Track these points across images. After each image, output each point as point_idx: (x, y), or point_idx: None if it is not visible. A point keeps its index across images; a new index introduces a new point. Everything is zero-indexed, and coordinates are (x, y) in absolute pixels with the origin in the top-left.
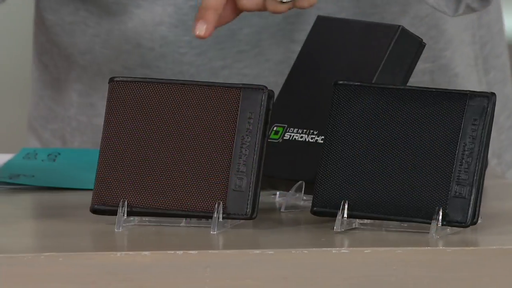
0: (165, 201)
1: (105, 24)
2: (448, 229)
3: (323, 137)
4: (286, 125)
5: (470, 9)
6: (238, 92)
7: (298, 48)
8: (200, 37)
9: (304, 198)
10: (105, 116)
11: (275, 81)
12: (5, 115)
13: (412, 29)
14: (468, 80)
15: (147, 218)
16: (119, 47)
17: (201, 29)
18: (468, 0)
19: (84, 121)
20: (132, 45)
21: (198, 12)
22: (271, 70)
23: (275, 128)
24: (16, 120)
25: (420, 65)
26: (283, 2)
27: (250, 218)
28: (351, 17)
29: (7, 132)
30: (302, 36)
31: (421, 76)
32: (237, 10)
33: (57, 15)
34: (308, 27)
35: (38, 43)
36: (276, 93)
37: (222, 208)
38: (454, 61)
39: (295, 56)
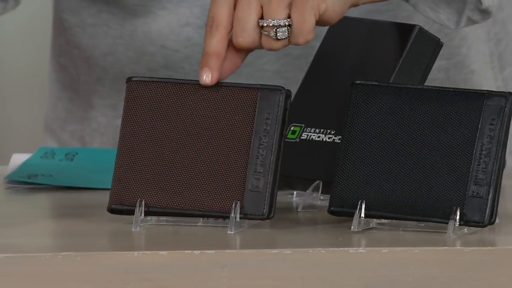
0: (182, 201)
1: (129, 26)
2: (466, 229)
3: (340, 136)
4: (303, 125)
5: (472, 22)
6: (256, 92)
7: (315, 43)
8: (206, 85)
9: (321, 197)
10: (122, 116)
11: (294, 77)
12: (23, 115)
13: (426, 26)
14: (484, 77)
15: (164, 218)
16: (142, 49)
17: (206, 78)
18: (469, 13)
19: (104, 122)
20: (156, 47)
21: (202, 58)
22: (289, 65)
23: (292, 128)
24: (34, 120)
25: (436, 63)
26: (278, 39)
27: (267, 218)
28: (366, 14)
29: (25, 132)
30: (319, 31)
31: (437, 74)
32: (241, 52)
33: (77, 17)
34: None
35: (57, 44)
36: (295, 90)
37: (239, 208)
38: (470, 58)
39: (312, 51)
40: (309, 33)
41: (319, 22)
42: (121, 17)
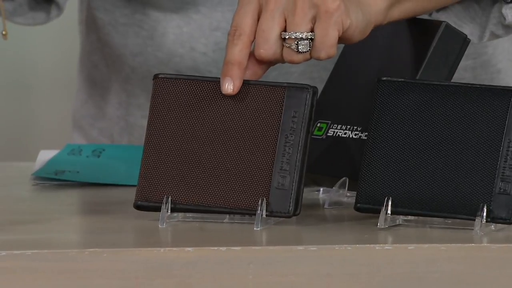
0: (208, 197)
1: (161, 28)
2: (493, 226)
3: (366, 133)
4: (329, 122)
5: (495, 36)
6: (283, 90)
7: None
8: (228, 94)
9: (348, 194)
10: (149, 113)
11: (319, 76)
12: (50, 112)
13: None
14: (511, 75)
15: (190, 215)
16: (172, 51)
17: (228, 86)
18: (493, 28)
19: (131, 121)
20: (185, 49)
21: (223, 66)
22: (315, 66)
23: (318, 125)
24: (61, 117)
25: (462, 62)
26: (300, 52)
27: (293, 215)
28: None
29: (53, 129)
30: None
31: (463, 73)
32: (262, 64)
33: (110, 16)
34: None
35: (88, 42)
36: (320, 89)
37: (265, 205)
38: (496, 57)
39: (338, 51)
40: (331, 47)
41: (341, 39)
42: (154, 19)
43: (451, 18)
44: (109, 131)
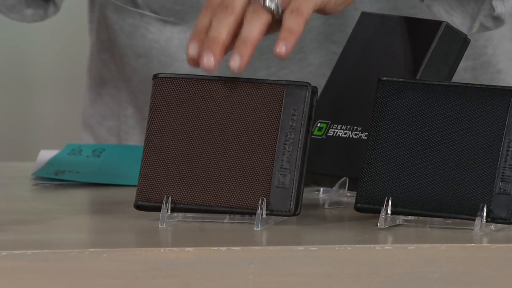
0: (208, 197)
1: (167, 32)
2: (493, 226)
3: (367, 133)
4: (329, 122)
5: (484, 28)
6: (282, 88)
7: (338, 49)
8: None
9: (348, 194)
10: (149, 112)
11: (317, 83)
12: (51, 111)
13: None
14: (511, 76)
15: (190, 214)
16: (176, 55)
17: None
18: (483, 19)
19: (131, 123)
20: None
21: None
22: (313, 74)
23: (318, 125)
24: (62, 117)
25: (462, 63)
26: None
27: (293, 214)
28: None
29: (53, 128)
30: (342, 37)
31: (463, 74)
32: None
33: (118, 15)
34: (347, 29)
35: (99, 40)
36: (319, 91)
37: (266, 205)
38: (496, 57)
39: (335, 57)
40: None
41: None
42: (161, 23)
43: (443, 6)
44: (116, 130)
